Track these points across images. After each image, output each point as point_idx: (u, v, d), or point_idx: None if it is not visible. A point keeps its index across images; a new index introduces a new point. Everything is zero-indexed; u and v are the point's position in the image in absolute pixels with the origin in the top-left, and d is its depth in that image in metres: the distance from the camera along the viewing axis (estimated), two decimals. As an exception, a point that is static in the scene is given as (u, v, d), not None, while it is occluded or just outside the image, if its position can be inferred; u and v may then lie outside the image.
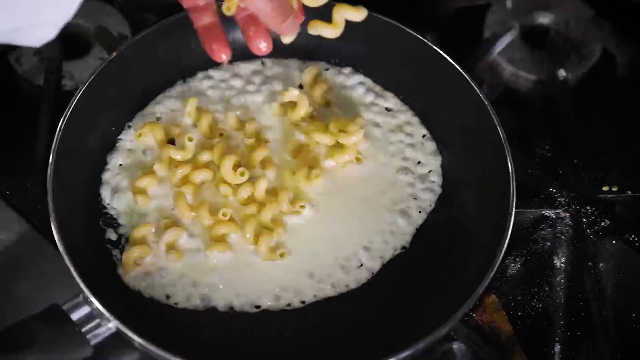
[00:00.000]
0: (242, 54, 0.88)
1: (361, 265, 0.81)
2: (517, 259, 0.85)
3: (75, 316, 0.70)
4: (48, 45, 0.92)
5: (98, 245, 0.79)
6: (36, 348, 0.66)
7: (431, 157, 0.88)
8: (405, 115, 0.90)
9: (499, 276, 0.84)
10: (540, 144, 0.95)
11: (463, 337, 0.79)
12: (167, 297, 0.77)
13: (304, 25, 0.79)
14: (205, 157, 0.84)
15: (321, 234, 0.82)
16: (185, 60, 0.90)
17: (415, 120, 0.90)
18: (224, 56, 0.76)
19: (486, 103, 0.84)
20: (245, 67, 0.92)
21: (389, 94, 0.92)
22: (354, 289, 0.80)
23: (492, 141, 0.83)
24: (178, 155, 0.83)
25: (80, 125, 0.82)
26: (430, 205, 0.85)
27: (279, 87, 0.90)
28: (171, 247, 0.79)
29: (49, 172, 0.77)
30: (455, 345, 0.79)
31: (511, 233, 0.77)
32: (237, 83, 0.91)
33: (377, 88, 0.92)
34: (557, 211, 0.88)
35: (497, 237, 0.77)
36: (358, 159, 0.86)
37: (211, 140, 0.86)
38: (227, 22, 0.78)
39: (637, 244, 0.87)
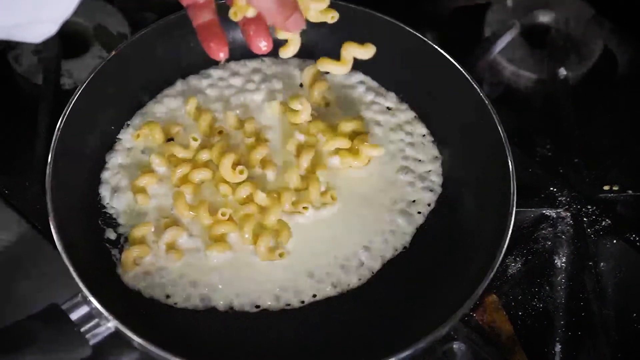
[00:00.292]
0: (241, 52, 0.88)
1: (361, 264, 0.81)
2: (518, 259, 0.85)
3: (74, 316, 0.70)
4: (47, 44, 0.94)
5: (97, 245, 0.79)
6: (35, 348, 0.66)
7: (431, 156, 0.87)
8: (405, 115, 0.90)
9: (499, 276, 0.84)
10: (540, 143, 0.94)
11: (463, 337, 0.79)
12: (167, 296, 0.77)
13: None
14: (204, 156, 0.84)
15: (321, 234, 0.82)
16: (184, 59, 0.90)
17: (415, 119, 0.90)
18: (222, 54, 0.75)
19: (486, 102, 0.84)
20: (244, 66, 0.92)
21: (388, 93, 0.92)
22: (354, 288, 0.80)
23: (493, 140, 0.83)
24: (181, 153, 0.83)
25: (80, 124, 0.81)
26: (431, 205, 0.85)
27: (278, 85, 0.90)
28: (171, 247, 0.79)
29: (47, 171, 0.77)
30: (456, 345, 0.79)
31: (512, 232, 0.77)
32: (237, 82, 0.91)
33: (377, 87, 0.92)
34: (558, 210, 0.88)
35: (497, 236, 0.77)
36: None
37: (210, 139, 0.86)
38: (227, 21, 0.78)
39: (638, 244, 0.86)
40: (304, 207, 0.82)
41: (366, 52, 0.85)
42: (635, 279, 0.85)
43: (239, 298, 0.78)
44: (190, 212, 0.81)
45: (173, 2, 0.78)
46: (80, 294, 0.71)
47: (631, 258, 0.86)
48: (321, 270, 0.80)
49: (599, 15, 1.04)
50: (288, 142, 0.86)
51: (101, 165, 0.84)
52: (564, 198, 0.88)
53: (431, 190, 0.85)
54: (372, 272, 0.81)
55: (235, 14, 0.74)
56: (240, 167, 0.82)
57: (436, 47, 0.88)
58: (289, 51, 0.80)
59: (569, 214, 0.87)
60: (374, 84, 0.92)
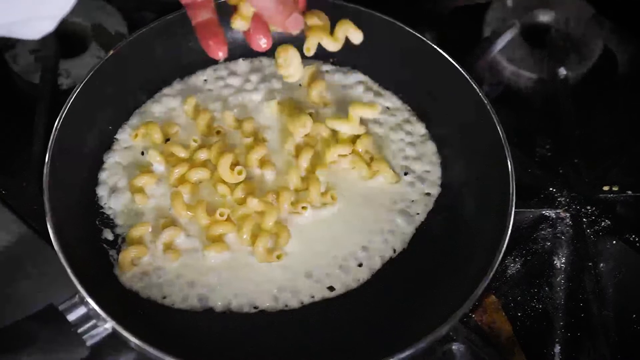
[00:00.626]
0: (240, 52, 0.87)
1: (360, 265, 0.80)
2: (517, 259, 0.85)
3: (71, 317, 0.70)
4: (45, 43, 0.93)
5: (94, 246, 0.79)
6: (32, 349, 0.66)
7: (431, 156, 0.87)
8: (405, 114, 0.90)
9: (498, 276, 0.83)
10: (540, 144, 0.94)
11: (462, 338, 0.79)
12: (164, 297, 0.77)
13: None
14: (202, 155, 0.83)
15: (320, 234, 0.82)
16: (183, 59, 0.90)
17: (414, 119, 0.90)
18: (221, 53, 0.75)
19: (486, 102, 0.84)
20: (243, 66, 0.91)
21: (388, 93, 0.92)
22: (353, 289, 0.79)
23: (492, 140, 0.83)
24: (182, 153, 0.83)
25: (77, 124, 0.81)
26: (430, 205, 0.84)
27: (277, 85, 0.90)
28: (168, 247, 0.79)
29: (45, 171, 0.76)
30: (455, 346, 0.79)
31: (511, 233, 0.76)
32: (235, 81, 0.90)
33: (376, 87, 0.92)
34: (557, 211, 0.87)
35: (496, 237, 0.76)
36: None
37: (209, 138, 0.86)
38: (226, 20, 0.77)
39: (637, 244, 0.86)
40: (303, 207, 0.82)
41: (372, 112, 0.85)
42: (635, 279, 0.85)
43: (237, 299, 0.77)
44: (188, 212, 0.80)
45: (171, 2, 0.78)
46: (77, 295, 0.70)
47: (631, 259, 0.85)
48: (320, 271, 0.80)
49: (599, 14, 1.04)
50: (287, 142, 0.85)
51: (99, 165, 0.84)
52: (563, 198, 0.88)
53: (430, 191, 0.85)
54: (371, 273, 0.80)
55: (235, 22, 0.74)
56: (238, 168, 0.81)
57: (435, 47, 0.88)
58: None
59: (568, 214, 0.87)
60: (373, 83, 0.92)
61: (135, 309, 0.76)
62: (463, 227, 0.82)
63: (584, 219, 0.87)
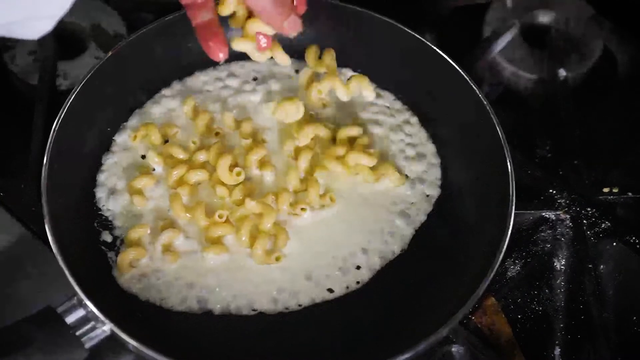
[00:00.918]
0: (239, 53, 0.87)
1: (360, 267, 0.80)
2: (517, 261, 0.85)
3: (69, 319, 0.69)
4: (43, 44, 0.93)
5: (93, 248, 0.79)
6: (30, 351, 0.66)
7: (430, 157, 0.87)
8: (404, 115, 0.90)
9: (498, 278, 0.83)
10: (540, 145, 0.94)
11: (462, 340, 0.78)
12: (163, 299, 0.77)
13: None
14: (201, 157, 0.83)
15: (319, 235, 0.82)
16: (182, 60, 0.90)
17: (414, 120, 0.90)
18: (221, 54, 0.75)
19: (485, 103, 0.84)
20: (242, 67, 0.91)
21: (387, 94, 0.91)
22: (353, 291, 0.79)
23: (492, 141, 0.82)
24: (181, 155, 0.83)
25: (76, 125, 0.81)
26: (430, 207, 0.84)
27: (276, 87, 0.90)
28: (167, 249, 0.79)
29: (43, 173, 0.76)
30: (454, 348, 0.79)
31: (511, 235, 0.76)
32: (234, 83, 0.90)
33: (376, 88, 0.91)
34: (557, 213, 0.87)
35: (496, 238, 0.76)
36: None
37: (208, 139, 0.86)
38: (226, 21, 0.77)
39: (637, 246, 0.86)
40: (302, 209, 0.81)
41: (370, 161, 0.84)
42: (635, 281, 0.84)
43: (236, 301, 0.77)
44: (187, 214, 0.80)
45: (170, 3, 0.78)
46: (75, 297, 0.70)
47: (631, 260, 0.85)
48: (319, 273, 0.79)
49: (599, 15, 1.04)
50: (286, 143, 0.85)
51: (97, 166, 0.83)
52: (563, 200, 0.88)
53: (430, 192, 0.85)
54: (371, 275, 0.80)
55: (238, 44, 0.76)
56: (237, 169, 0.81)
57: (435, 47, 0.87)
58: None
59: (568, 216, 0.87)
60: (372, 84, 0.91)
61: (133, 311, 0.76)
62: (463, 228, 0.82)
63: (584, 221, 0.87)
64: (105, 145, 0.85)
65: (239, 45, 0.79)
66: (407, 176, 0.85)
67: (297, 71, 0.91)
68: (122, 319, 0.70)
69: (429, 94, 0.89)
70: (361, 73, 0.92)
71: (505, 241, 0.76)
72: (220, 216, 0.79)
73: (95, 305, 0.69)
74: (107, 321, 0.69)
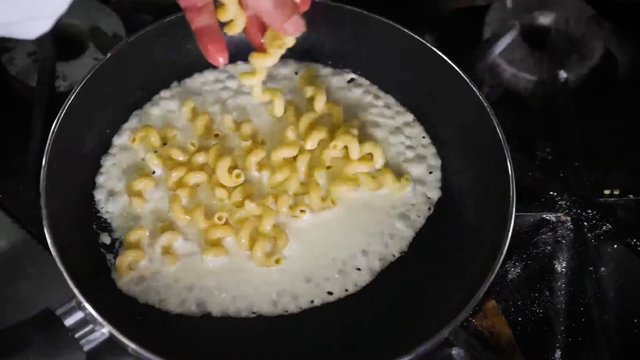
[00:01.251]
0: (238, 54, 0.87)
1: (359, 269, 0.80)
2: (517, 263, 0.84)
3: (68, 322, 0.69)
4: (42, 46, 0.93)
5: (92, 250, 0.79)
6: (28, 354, 0.66)
7: (431, 159, 0.87)
8: (404, 117, 0.90)
9: (498, 281, 0.83)
10: (540, 146, 0.94)
11: (462, 343, 0.78)
12: (162, 302, 0.76)
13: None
14: (200, 159, 0.83)
15: (319, 237, 0.81)
16: (181, 61, 0.90)
17: (414, 122, 0.89)
18: (221, 59, 0.74)
19: (485, 104, 0.84)
20: (241, 68, 0.91)
21: (387, 95, 0.91)
22: (352, 293, 0.79)
23: (492, 143, 0.82)
24: (180, 156, 0.83)
25: (75, 127, 0.81)
26: (430, 209, 0.84)
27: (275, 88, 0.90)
28: (166, 251, 0.78)
29: (42, 174, 0.76)
30: (455, 351, 0.79)
31: (511, 237, 0.76)
32: (233, 84, 0.90)
33: (375, 89, 0.91)
34: (558, 215, 0.87)
35: (496, 241, 0.76)
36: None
37: (207, 140, 0.85)
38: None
39: (638, 248, 0.86)
40: (301, 211, 0.81)
41: (368, 167, 0.84)
42: (636, 284, 0.84)
43: (235, 303, 0.77)
44: (186, 216, 0.80)
45: (169, 4, 0.77)
46: (74, 300, 0.70)
47: (632, 263, 0.85)
48: (319, 275, 0.79)
49: (599, 16, 1.03)
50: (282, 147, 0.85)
51: (96, 168, 0.83)
52: (564, 202, 0.88)
53: (430, 194, 0.85)
54: (371, 277, 0.80)
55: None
56: (236, 171, 0.81)
57: (435, 49, 0.87)
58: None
59: (569, 218, 0.87)
60: (372, 86, 0.91)
61: (132, 313, 0.76)
62: (463, 230, 0.82)
63: (585, 223, 0.87)
64: (104, 147, 0.85)
65: (247, 81, 0.80)
66: (407, 179, 0.84)
67: (296, 73, 0.91)
68: (120, 322, 0.70)
69: (429, 95, 0.89)
70: (361, 74, 0.92)
71: (505, 243, 0.75)
72: (219, 218, 0.79)
73: (94, 307, 0.69)
74: (105, 324, 0.69)
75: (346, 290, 0.79)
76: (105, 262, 0.78)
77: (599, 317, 0.81)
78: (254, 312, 0.77)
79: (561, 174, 0.90)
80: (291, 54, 0.84)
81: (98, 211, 0.81)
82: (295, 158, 0.84)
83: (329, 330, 0.77)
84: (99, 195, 0.82)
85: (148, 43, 0.87)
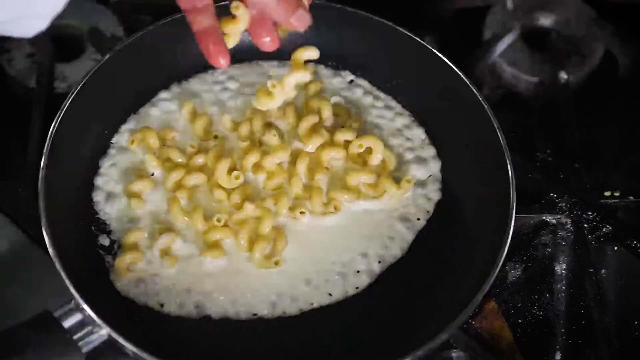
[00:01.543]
0: (238, 55, 0.87)
1: (359, 271, 0.80)
2: (518, 265, 0.84)
3: (66, 323, 0.69)
4: (40, 47, 0.93)
5: (90, 251, 0.78)
6: (26, 356, 0.66)
7: (431, 161, 0.86)
8: (404, 119, 0.89)
9: (499, 283, 0.83)
10: (541, 148, 0.94)
11: (462, 345, 0.78)
12: (160, 304, 0.76)
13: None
14: (199, 160, 0.83)
15: (318, 239, 0.81)
16: (180, 62, 0.89)
17: (414, 124, 0.89)
18: (222, 61, 0.74)
19: (486, 106, 0.83)
20: (241, 69, 0.91)
21: (387, 97, 0.91)
22: (352, 295, 0.79)
23: (492, 145, 0.82)
24: (179, 158, 0.83)
25: (73, 128, 0.80)
26: (430, 211, 0.84)
27: (275, 89, 0.89)
28: (165, 253, 0.78)
29: (40, 176, 0.76)
30: (454, 353, 0.79)
31: (511, 239, 0.76)
32: (233, 85, 0.90)
33: (375, 91, 0.91)
34: (558, 217, 0.87)
35: (497, 243, 0.76)
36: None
37: (206, 142, 0.85)
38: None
39: (639, 250, 0.86)
40: (301, 212, 0.81)
41: (369, 178, 0.84)
42: (636, 286, 0.84)
43: (234, 305, 0.77)
44: (185, 218, 0.80)
45: (168, 5, 0.77)
46: (72, 301, 0.70)
47: (632, 265, 0.85)
48: (318, 277, 0.79)
49: (600, 17, 1.03)
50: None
51: (95, 170, 0.83)
52: (564, 204, 0.88)
53: (430, 196, 0.84)
54: (371, 279, 0.80)
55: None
56: (236, 173, 0.81)
57: (435, 50, 0.87)
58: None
59: (569, 220, 0.87)
60: (372, 87, 0.91)
61: (131, 315, 0.75)
62: (463, 232, 0.82)
63: (585, 225, 0.87)
64: (103, 149, 0.84)
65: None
66: (409, 181, 0.84)
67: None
68: (119, 324, 0.69)
69: (429, 96, 0.89)
70: (360, 76, 0.92)
71: (505, 245, 0.75)
72: (218, 220, 0.79)
73: (93, 309, 0.69)
74: (104, 325, 0.69)
75: (346, 292, 0.79)
76: (104, 264, 0.78)
77: (599, 319, 0.81)
78: (253, 314, 0.76)
79: (561, 176, 0.90)
80: (291, 55, 0.83)
81: (96, 213, 0.81)
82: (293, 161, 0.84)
83: (328, 332, 0.77)
84: (98, 197, 0.81)
85: (147, 44, 0.87)
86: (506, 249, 0.75)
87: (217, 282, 0.77)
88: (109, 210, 0.81)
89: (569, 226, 0.86)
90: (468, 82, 0.85)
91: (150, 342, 0.70)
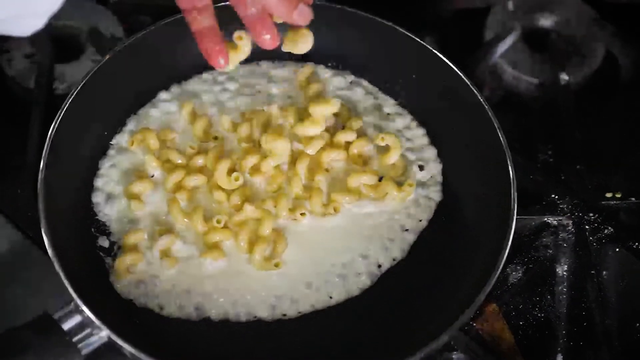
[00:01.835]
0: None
1: (359, 273, 0.79)
2: (519, 267, 0.84)
3: (66, 325, 0.69)
4: (40, 47, 0.93)
5: (90, 253, 0.78)
6: (26, 357, 0.65)
7: (431, 162, 0.86)
8: (405, 120, 0.89)
9: (499, 284, 0.83)
10: (542, 149, 0.94)
11: (463, 347, 0.78)
12: (160, 305, 0.76)
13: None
14: (199, 161, 0.83)
15: (319, 241, 0.81)
16: (180, 63, 0.89)
17: (414, 124, 0.89)
18: (222, 61, 0.74)
19: (486, 107, 0.83)
20: (241, 69, 0.91)
21: (387, 98, 0.91)
22: (352, 298, 0.78)
23: (493, 146, 0.82)
24: (179, 159, 0.82)
25: (72, 129, 0.80)
26: (431, 212, 0.84)
27: (275, 90, 0.89)
28: (165, 254, 0.78)
29: (39, 177, 0.76)
30: (455, 355, 0.78)
31: (512, 240, 0.76)
32: (232, 86, 0.90)
33: (376, 91, 0.91)
34: (560, 218, 0.87)
35: (498, 244, 0.76)
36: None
37: (206, 143, 0.85)
38: (226, 25, 0.77)
39: (640, 252, 0.86)
40: (301, 214, 0.81)
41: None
42: (638, 287, 0.84)
43: (234, 307, 0.76)
44: (185, 219, 0.79)
45: (168, 6, 0.77)
46: (72, 303, 0.69)
47: (634, 266, 0.85)
48: (318, 279, 0.79)
49: (601, 18, 1.03)
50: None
51: (94, 171, 0.83)
52: (565, 205, 0.87)
53: (431, 197, 0.84)
54: (371, 281, 0.80)
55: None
56: (235, 174, 0.80)
57: (435, 51, 0.87)
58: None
59: (570, 221, 0.87)
60: (372, 88, 0.91)
61: (131, 317, 0.75)
62: (464, 234, 0.82)
63: (587, 226, 0.87)
64: (103, 150, 0.84)
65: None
66: (410, 185, 0.83)
67: (295, 72, 0.91)
68: (119, 325, 0.69)
69: (430, 97, 0.89)
70: (360, 76, 0.91)
71: (507, 247, 0.75)
72: (218, 221, 0.79)
73: (92, 311, 0.69)
74: (104, 327, 0.68)
75: (346, 294, 0.78)
76: (104, 265, 0.78)
77: (600, 321, 0.81)
78: (253, 316, 0.76)
79: (562, 177, 0.90)
80: (292, 55, 0.83)
81: (96, 214, 0.81)
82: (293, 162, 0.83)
83: (328, 334, 0.76)
84: (97, 198, 0.81)
85: (147, 45, 0.87)
86: (507, 250, 0.75)
87: (217, 283, 0.77)
88: (109, 211, 0.80)
89: (570, 227, 0.86)
90: (468, 83, 0.85)
91: (150, 343, 0.70)
